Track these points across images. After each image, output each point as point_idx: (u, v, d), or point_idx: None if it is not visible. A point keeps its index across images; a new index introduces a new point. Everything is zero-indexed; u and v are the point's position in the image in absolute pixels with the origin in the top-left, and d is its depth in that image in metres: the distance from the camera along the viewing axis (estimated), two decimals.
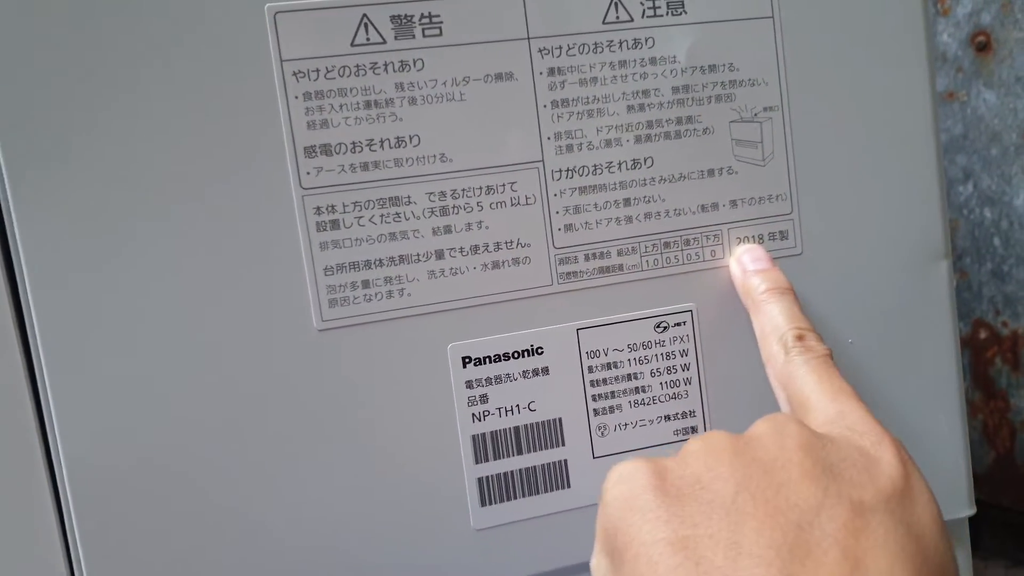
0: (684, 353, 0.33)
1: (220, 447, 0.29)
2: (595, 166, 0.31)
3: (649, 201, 0.32)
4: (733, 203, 0.33)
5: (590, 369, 0.32)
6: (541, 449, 0.31)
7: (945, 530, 0.22)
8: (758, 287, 0.31)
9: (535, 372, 0.31)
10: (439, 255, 0.30)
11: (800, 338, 0.28)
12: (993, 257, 0.72)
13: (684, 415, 0.33)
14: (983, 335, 0.74)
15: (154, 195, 0.28)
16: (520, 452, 0.31)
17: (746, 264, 0.32)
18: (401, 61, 0.29)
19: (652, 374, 0.32)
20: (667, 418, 0.33)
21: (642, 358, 0.32)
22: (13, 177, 0.27)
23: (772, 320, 0.30)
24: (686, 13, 0.31)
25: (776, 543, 0.20)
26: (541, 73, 0.30)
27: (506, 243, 0.31)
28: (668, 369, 0.32)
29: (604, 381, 0.32)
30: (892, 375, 0.35)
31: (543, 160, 0.31)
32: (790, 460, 0.22)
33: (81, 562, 0.28)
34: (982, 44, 0.69)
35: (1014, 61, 0.68)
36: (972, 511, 0.37)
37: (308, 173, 0.29)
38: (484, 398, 0.31)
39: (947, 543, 0.22)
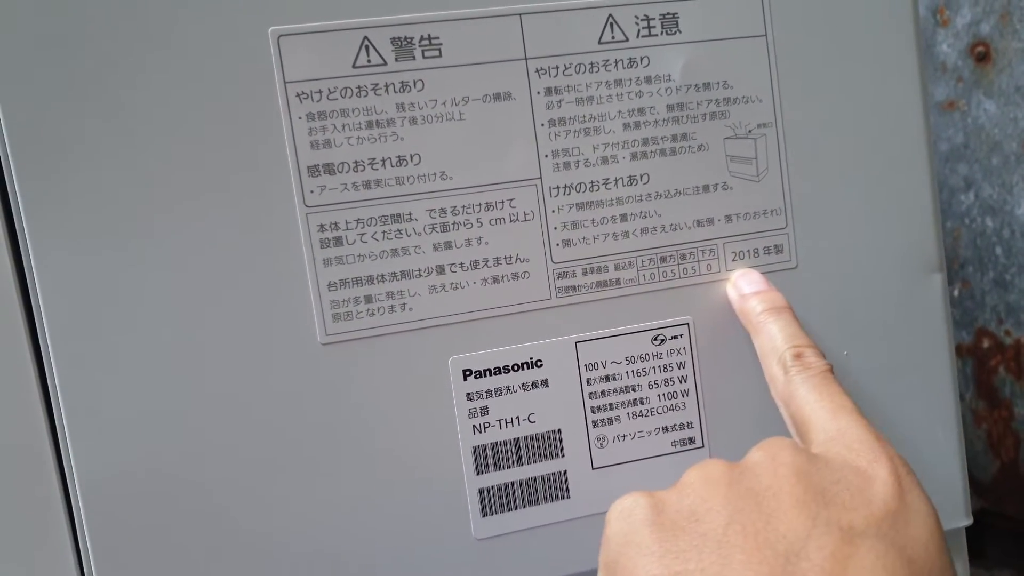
0: (681, 365, 0.33)
1: (226, 458, 0.30)
2: (592, 183, 0.32)
3: (645, 216, 0.32)
4: (728, 218, 0.33)
5: (589, 381, 0.32)
6: (541, 460, 0.32)
7: (943, 547, 0.22)
8: (755, 308, 0.31)
9: (535, 384, 0.32)
10: (440, 270, 0.31)
11: (798, 356, 0.29)
12: (995, 266, 0.72)
13: (682, 426, 0.33)
14: (986, 344, 0.74)
15: (162, 214, 0.29)
16: (520, 463, 0.32)
17: (742, 288, 0.33)
18: (402, 82, 0.30)
19: (650, 386, 0.33)
20: (665, 429, 0.33)
21: (640, 370, 0.33)
22: (27, 205, 0.28)
23: (771, 340, 0.30)
24: (680, 32, 0.32)
25: None
26: (539, 92, 0.31)
27: (505, 258, 0.31)
28: (665, 381, 0.33)
29: (603, 393, 0.32)
30: (888, 387, 0.35)
31: (541, 177, 0.31)
32: (781, 489, 0.22)
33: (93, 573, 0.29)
34: (982, 54, 0.69)
35: (1013, 71, 0.68)
36: (969, 521, 0.37)
37: (312, 191, 0.30)
38: (484, 410, 0.31)
39: (944, 561, 0.22)
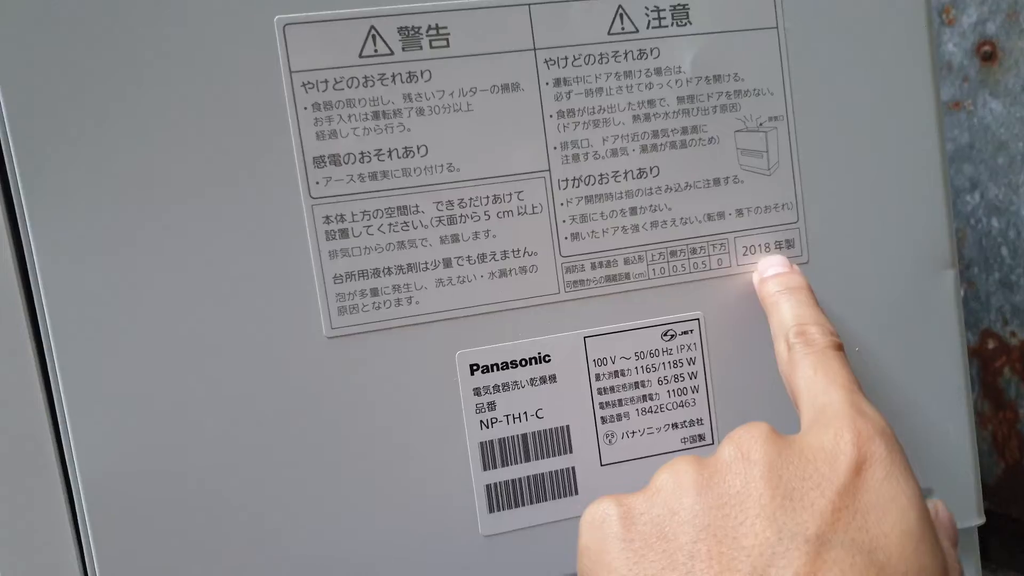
0: (691, 361, 0.33)
1: (230, 452, 0.29)
2: (601, 175, 0.31)
3: (655, 210, 0.32)
4: (739, 212, 0.33)
5: (597, 377, 0.32)
6: (549, 456, 0.32)
7: (925, 540, 0.21)
8: (770, 289, 0.31)
9: (543, 380, 0.31)
10: (447, 263, 0.31)
11: (801, 333, 0.28)
12: (1001, 267, 0.72)
13: (691, 423, 0.33)
14: (991, 345, 0.74)
15: (166, 205, 0.28)
16: (528, 459, 0.31)
17: (763, 271, 0.32)
18: (409, 72, 0.30)
19: (659, 382, 0.32)
20: (674, 426, 0.33)
21: (649, 366, 0.32)
22: (28, 191, 0.27)
23: (780, 318, 0.29)
24: (691, 24, 0.32)
25: None
26: (547, 83, 0.31)
27: (513, 252, 0.31)
28: (675, 377, 0.33)
29: (611, 389, 0.32)
30: (899, 384, 0.35)
31: (550, 169, 0.31)
32: (750, 495, 0.21)
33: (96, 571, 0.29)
34: (988, 54, 0.69)
35: (1020, 71, 0.68)
36: (981, 520, 0.36)
37: (317, 183, 0.29)
38: (492, 405, 0.31)
39: (925, 560, 0.20)
